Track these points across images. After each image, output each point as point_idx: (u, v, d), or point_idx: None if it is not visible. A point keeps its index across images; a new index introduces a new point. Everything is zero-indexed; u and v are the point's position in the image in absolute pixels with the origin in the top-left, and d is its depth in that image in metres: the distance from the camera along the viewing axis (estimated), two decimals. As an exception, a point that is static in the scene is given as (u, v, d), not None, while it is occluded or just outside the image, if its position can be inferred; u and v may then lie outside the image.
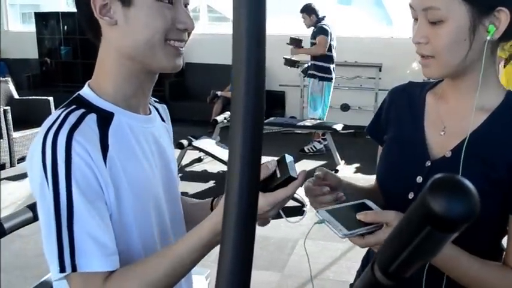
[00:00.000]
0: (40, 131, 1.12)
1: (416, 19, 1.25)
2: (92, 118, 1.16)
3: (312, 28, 7.58)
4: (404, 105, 1.44)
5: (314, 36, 7.50)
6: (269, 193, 1.16)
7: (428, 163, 1.31)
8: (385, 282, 0.55)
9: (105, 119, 1.19)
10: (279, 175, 1.19)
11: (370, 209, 1.24)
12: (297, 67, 8.19)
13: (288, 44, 7.63)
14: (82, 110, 1.16)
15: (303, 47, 7.64)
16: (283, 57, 7.84)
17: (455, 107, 1.31)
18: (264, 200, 1.14)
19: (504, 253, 1.26)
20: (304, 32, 7.76)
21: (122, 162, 1.17)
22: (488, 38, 1.19)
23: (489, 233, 1.25)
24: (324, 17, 7.54)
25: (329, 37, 7.39)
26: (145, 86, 1.27)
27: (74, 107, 1.17)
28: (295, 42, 7.60)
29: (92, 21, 1.18)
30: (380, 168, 1.46)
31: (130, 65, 1.21)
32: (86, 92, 1.23)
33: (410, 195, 1.32)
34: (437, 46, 1.20)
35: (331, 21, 7.57)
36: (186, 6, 1.22)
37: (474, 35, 1.18)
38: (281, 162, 1.21)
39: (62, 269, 1.08)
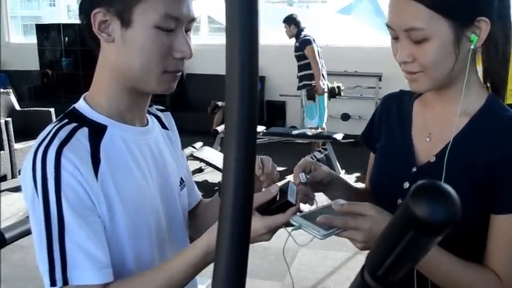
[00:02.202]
0: (33, 146, 1.14)
1: (395, 38, 1.26)
2: (83, 132, 1.17)
3: (294, 40, 7.68)
4: (395, 114, 1.47)
5: (299, 48, 7.58)
6: (267, 216, 1.17)
7: (414, 169, 1.35)
8: (374, 286, 0.56)
9: (97, 132, 1.19)
10: (278, 199, 1.21)
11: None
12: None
13: (313, 100, 7.68)
14: (74, 124, 1.17)
15: (314, 87, 7.62)
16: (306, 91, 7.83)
17: (440, 113, 1.34)
18: (261, 223, 1.15)
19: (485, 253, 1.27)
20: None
21: (114, 176, 1.17)
22: (471, 47, 1.22)
23: (474, 236, 1.27)
24: (304, 28, 7.66)
25: (314, 45, 7.48)
26: (139, 102, 1.28)
27: (66, 121, 1.18)
28: (312, 92, 7.64)
29: (92, 34, 1.19)
30: (371, 176, 1.50)
31: (124, 83, 1.21)
32: (80, 104, 1.24)
33: (399, 201, 1.35)
34: (424, 63, 1.22)
35: (317, 32, 7.76)
36: (188, 32, 1.21)
37: (459, 47, 1.20)
38: (283, 189, 1.23)
39: (53, 283, 1.09)
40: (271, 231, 1.18)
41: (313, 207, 1.31)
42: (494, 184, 1.22)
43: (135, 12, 1.13)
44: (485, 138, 1.26)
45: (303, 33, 7.58)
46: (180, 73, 1.23)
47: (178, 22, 1.16)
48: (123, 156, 1.22)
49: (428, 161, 1.33)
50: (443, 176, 1.25)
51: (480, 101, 1.30)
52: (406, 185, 1.34)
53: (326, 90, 7.74)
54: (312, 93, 7.62)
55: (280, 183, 1.26)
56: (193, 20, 1.21)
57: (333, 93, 7.80)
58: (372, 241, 1.17)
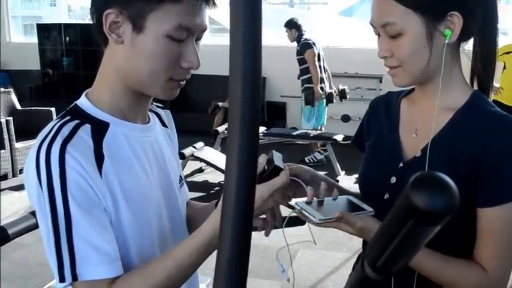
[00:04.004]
0: (35, 143, 1.14)
1: (378, 35, 1.32)
2: (85, 129, 1.17)
3: (295, 43, 7.72)
4: (383, 114, 1.52)
5: (300, 52, 7.63)
6: (264, 183, 1.19)
7: (401, 164, 1.38)
8: (374, 276, 0.58)
9: (99, 129, 1.19)
10: (266, 168, 1.24)
11: (353, 204, 1.31)
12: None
13: (311, 105, 7.75)
14: (76, 121, 1.17)
15: (313, 92, 7.68)
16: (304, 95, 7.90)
17: (425, 109, 1.37)
18: (262, 188, 1.18)
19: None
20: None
21: (117, 172, 1.18)
22: (446, 41, 1.26)
23: (461, 230, 1.29)
24: (305, 31, 7.72)
25: (314, 48, 7.51)
26: (142, 101, 1.28)
27: (68, 117, 1.18)
28: (311, 97, 7.69)
29: (101, 31, 1.17)
30: (360, 173, 1.52)
31: (128, 83, 1.22)
32: (82, 101, 1.24)
33: (386, 196, 1.38)
34: (400, 57, 1.28)
35: (318, 34, 7.80)
36: (197, 40, 1.21)
37: (432, 41, 1.25)
38: (270, 159, 1.25)
39: (62, 279, 1.10)
40: (272, 196, 1.20)
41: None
42: (478, 177, 1.25)
43: (149, 19, 1.13)
44: (468, 133, 1.29)
45: (304, 37, 7.61)
46: (185, 82, 1.23)
47: (190, 32, 1.16)
48: (125, 153, 1.22)
49: (414, 156, 1.36)
50: (426, 170, 1.28)
51: (464, 97, 1.34)
52: (393, 179, 1.37)
53: (324, 94, 7.76)
54: (309, 99, 7.67)
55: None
56: (205, 30, 1.21)
57: (331, 98, 7.80)
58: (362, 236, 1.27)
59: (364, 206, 1.30)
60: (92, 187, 1.12)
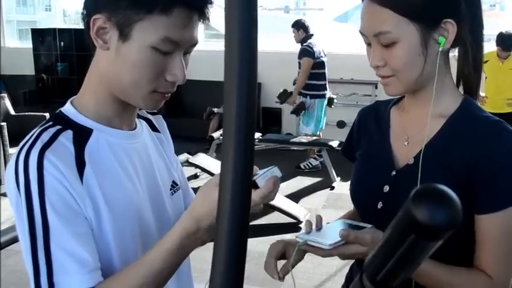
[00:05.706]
0: (17, 149, 1.12)
1: (369, 44, 1.31)
2: (67, 135, 1.15)
3: (295, 46, 7.69)
4: (372, 123, 1.51)
5: (299, 56, 7.59)
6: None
7: (393, 172, 1.37)
8: (374, 291, 0.56)
9: (82, 136, 1.17)
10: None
11: (350, 224, 1.32)
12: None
13: (280, 102, 7.83)
14: (57, 127, 1.15)
15: (291, 93, 7.75)
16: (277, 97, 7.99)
17: (416, 116, 1.37)
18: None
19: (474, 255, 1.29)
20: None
21: (99, 180, 1.15)
22: (440, 49, 1.25)
23: (456, 237, 1.28)
24: (312, 34, 7.63)
25: (313, 57, 7.45)
26: (127, 109, 1.25)
27: (50, 123, 1.16)
28: (284, 96, 7.76)
29: (90, 36, 1.16)
30: (351, 182, 1.52)
31: (112, 91, 1.20)
32: (66, 108, 1.22)
33: (379, 205, 1.36)
34: (395, 66, 1.26)
35: (318, 40, 7.65)
36: (186, 54, 1.19)
37: (427, 49, 1.24)
38: (264, 172, 1.13)
39: None
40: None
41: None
42: (474, 184, 1.24)
43: (135, 28, 1.11)
44: (461, 139, 1.29)
45: (309, 40, 7.53)
46: (170, 94, 1.21)
47: (177, 46, 1.14)
48: (108, 161, 1.20)
49: (407, 164, 1.35)
50: (419, 177, 1.27)
51: (455, 103, 1.33)
52: (386, 188, 1.36)
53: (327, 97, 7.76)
54: (283, 98, 7.75)
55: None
56: (195, 44, 1.19)
57: (330, 103, 7.83)
58: None
59: (362, 224, 1.30)
60: (71, 194, 1.09)
